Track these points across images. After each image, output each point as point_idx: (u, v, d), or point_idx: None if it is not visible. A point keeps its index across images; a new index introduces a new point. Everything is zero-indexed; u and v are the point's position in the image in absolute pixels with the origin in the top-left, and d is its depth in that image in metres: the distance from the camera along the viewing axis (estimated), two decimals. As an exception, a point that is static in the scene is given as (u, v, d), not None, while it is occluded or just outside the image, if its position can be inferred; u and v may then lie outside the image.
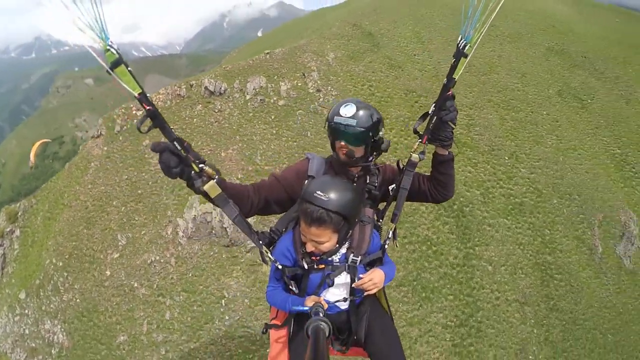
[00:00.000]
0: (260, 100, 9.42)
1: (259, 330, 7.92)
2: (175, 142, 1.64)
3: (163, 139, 1.56)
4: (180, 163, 1.67)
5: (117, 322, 8.43)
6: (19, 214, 10.65)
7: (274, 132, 9.02)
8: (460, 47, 1.82)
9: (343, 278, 2.14)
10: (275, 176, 2.24)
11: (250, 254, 8.04)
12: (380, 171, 2.32)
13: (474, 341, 8.46)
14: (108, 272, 8.58)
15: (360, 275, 2.11)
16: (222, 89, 9.89)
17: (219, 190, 1.82)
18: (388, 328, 2.33)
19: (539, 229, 10.04)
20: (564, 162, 10.98)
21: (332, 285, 2.12)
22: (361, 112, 2.03)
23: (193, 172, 1.72)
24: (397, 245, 2.51)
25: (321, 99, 9.42)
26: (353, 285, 2.12)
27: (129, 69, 1.43)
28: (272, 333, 2.39)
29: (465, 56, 1.84)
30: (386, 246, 2.28)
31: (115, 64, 1.40)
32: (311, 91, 9.75)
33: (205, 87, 9.67)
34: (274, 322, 2.41)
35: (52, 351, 8.62)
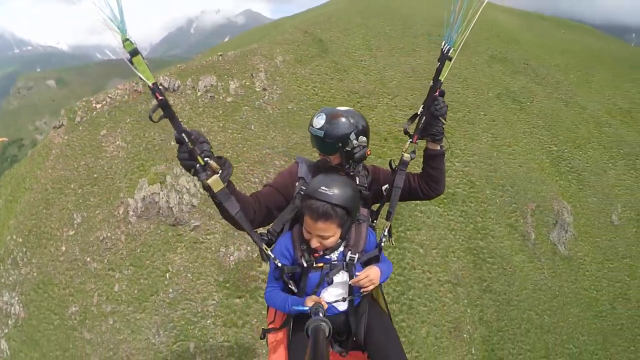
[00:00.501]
0: (210, 96, 11.13)
1: (200, 302, 8.93)
2: (183, 134, 1.82)
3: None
4: (188, 155, 1.87)
5: (70, 294, 9.68)
6: (-18, 199, 12.14)
7: (221, 125, 10.65)
8: (445, 51, 2.20)
9: (341, 277, 2.39)
10: (268, 184, 2.52)
11: (193, 233, 9.56)
12: (369, 172, 2.62)
13: (406, 317, 9.40)
14: (63, 248, 9.96)
15: (357, 273, 2.36)
16: (176, 85, 11.59)
17: (222, 186, 2.01)
18: (387, 327, 2.55)
19: (471, 217, 11.14)
20: (498, 157, 12.31)
21: (331, 283, 2.35)
22: (331, 124, 2.30)
23: (198, 165, 1.91)
24: (393, 242, 2.82)
25: (266, 97, 11.24)
26: (350, 282, 2.38)
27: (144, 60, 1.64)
28: (271, 337, 2.60)
29: (450, 59, 2.20)
30: (382, 244, 2.54)
31: (132, 54, 1.59)
32: (257, 90, 11.26)
33: (161, 84, 11.40)
34: (272, 326, 2.63)
35: (9, 322, 9.81)
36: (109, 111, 11.62)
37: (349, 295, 2.43)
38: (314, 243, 2.21)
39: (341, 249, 2.37)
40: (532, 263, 11.19)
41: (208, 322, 8.79)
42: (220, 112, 10.88)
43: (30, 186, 10.87)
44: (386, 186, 2.54)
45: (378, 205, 2.71)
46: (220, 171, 1.97)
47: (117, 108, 11.63)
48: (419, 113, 2.42)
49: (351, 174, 2.50)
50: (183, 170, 9.00)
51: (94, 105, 11.82)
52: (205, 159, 1.90)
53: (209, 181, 1.94)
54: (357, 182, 2.50)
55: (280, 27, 18.93)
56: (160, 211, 9.54)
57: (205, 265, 9.19)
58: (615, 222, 12.87)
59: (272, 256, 2.32)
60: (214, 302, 8.87)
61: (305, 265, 2.31)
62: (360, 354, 2.62)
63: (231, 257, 9.09)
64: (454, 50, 2.21)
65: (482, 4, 2.05)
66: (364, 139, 2.37)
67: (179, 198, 9.37)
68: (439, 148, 2.51)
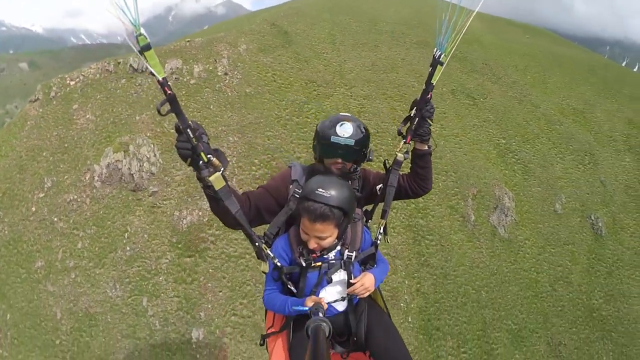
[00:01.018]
0: (175, 78, 13.09)
1: (154, 261, 10.52)
2: (188, 130, 2.03)
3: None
4: (190, 151, 2.08)
5: (37, 250, 11.10)
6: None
7: (183, 104, 12.49)
8: (436, 57, 2.51)
9: (340, 275, 2.61)
10: (261, 186, 2.77)
11: (151, 198, 11.32)
12: (360, 175, 2.89)
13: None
14: (34, 209, 11.63)
15: (351, 281, 2.58)
16: (145, 67, 13.70)
17: (224, 183, 2.23)
18: (388, 325, 2.73)
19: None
20: (445, 145, 13.65)
21: (330, 282, 2.56)
22: (357, 131, 2.59)
23: (201, 161, 2.13)
24: (388, 240, 3.03)
25: (226, 81, 13.24)
26: (347, 291, 2.60)
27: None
28: (270, 341, 2.76)
29: (441, 64, 2.50)
30: (378, 242, 2.79)
31: (145, 48, 1.82)
32: (219, 74, 13.05)
33: (130, 65, 13.36)
34: (271, 330, 2.79)
35: (-21, 276, 11.85)
36: (82, 88, 13.53)
37: (347, 294, 2.66)
38: (312, 244, 2.44)
39: (338, 248, 2.60)
40: (470, 242, 12.45)
41: (160, 278, 10.56)
42: (184, 92, 12.83)
43: (6, 153, 12.76)
44: (380, 186, 2.87)
45: (371, 205, 3.06)
46: (222, 168, 2.20)
47: (89, 85, 13.53)
48: (412, 115, 2.73)
49: (356, 177, 2.85)
50: (144, 141, 11.11)
51: (68, 82, 13.75)
52: (209, 155, 2.12)
53: (211, 178, 2.16)
54: (351, 185, 2.77)
55: (253, 19, 20.85)
56: (123, 177, 11.39)
57: (161, 227, 10.98)
58: (559, 210, 14.59)
59: (272, 255, 2.54)
60: (167, 260, 10.67)
61: (304, 264, 2.52)
62: (361, 354, 2.82)
63: (184, 220, 11.02)
64: (445, 55, 2.56)
65: (472, 15, 2.38)
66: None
67: (140, 166, 11.32)
68: (426, 148, 2.87)
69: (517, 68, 19.20)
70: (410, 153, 2.93)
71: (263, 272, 2.66)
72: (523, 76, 18.85)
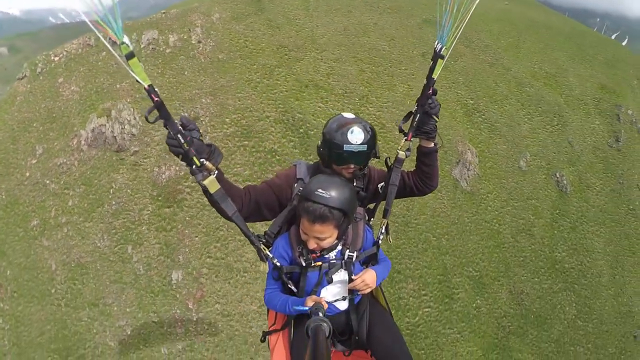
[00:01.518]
0: (152, 48, 14.97)
1: (137, 213, 12.30)
2: (179, 135, 2.13)
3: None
4: (182, 153, 2.21)
5: (32, 211, 12.74)
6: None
7: (159, 71, 14.30)
8: (437, 50, 2.62)
9: (340, 275, 2.76)
10: (265, 182, 2.92)
11: (133, 157, 13.03)
12: (365, 174, 3.01)
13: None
14: (27, 174, 13.23)
15: (352, 277, 2.71)
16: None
17: (218, 186, 2.37)
18: (390, 325, 2.92)
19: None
20: (410, 104, 15.87)
21: (330, 282, 2.71)
22: (366, 134, 2.66)
23: (194, 166, 2.25)
24: (391, 240, 3.13)
25: (200, 48, 15.20)
26: (348, 287, 2.75)
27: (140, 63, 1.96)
28: (272, 339, 2.98)
29: (442, 57, 2.62)
30: (380, 241, 2.95)
31: (129, 56, 1.91)
32: (193, 42, 14.76)
33: (109, 38, 15.57)
34: (272, 328, 3.00)
35: (-20, 238, 13.17)
36: (66, 62, 15.55)
37: (348, 293, 2.78)
38: (312, 244, 2.55)
39: (339, 247, 2.71)
40: (432, 193, 14.84)
41: (143, 228, 12.43)
42: (160, 61, 14.76)
43: (-1, 127, 15.03)
44: (382, 184, 2.96)
45: (374, 204, 3.16)
46: (215, 172, 2.34)
47: (72, 60, 15.53)
48: (413, 111, 2.77)
49: (361, 176, 2.93)
50: (125, 106, 13.22)
51: (52, 58, 15.76)
52: (202, 159, 2.25)
53: (205, 182, 2.31)
54: (355, 184, 2.88)
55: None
56: (106, 140, 13.32)
57: (142, 183, 12.85)
58: (524, 167, 16.05)
59: (271, 256, 2.66)
60: (149, 212, 12.56)
61: (304, 264, 2.64)
62: (363, 353, 2.95)
63: (163, 175, 13.01)
64: (446, 48, 2.60)
65: (473, 6, 2.44)
66: None
67: (122, 129, 13.38)
68: (432, 145, 2.89)
69: (492, 33, 20.23)
70: (412, 150, 3.00)
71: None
72: (496, 41, 19.90)
